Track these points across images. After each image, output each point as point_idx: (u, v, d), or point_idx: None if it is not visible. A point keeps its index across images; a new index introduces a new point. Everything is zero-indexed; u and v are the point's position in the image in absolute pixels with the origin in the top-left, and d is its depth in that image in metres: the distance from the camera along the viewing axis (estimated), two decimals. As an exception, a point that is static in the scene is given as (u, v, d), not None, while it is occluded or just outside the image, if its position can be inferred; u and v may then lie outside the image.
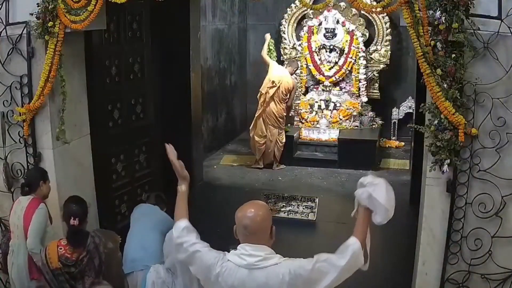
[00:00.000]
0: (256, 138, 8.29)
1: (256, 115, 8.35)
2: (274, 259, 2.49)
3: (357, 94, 9.24)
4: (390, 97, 9.92)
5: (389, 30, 9.21)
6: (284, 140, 8.42)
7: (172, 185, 6.87)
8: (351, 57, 9.12)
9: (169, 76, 7.14)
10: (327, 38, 9.20)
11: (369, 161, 8.38)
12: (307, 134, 9.06)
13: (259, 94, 8.28)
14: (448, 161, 3.54)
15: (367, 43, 9.29)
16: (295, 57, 9.51)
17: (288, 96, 8.24)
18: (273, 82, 8.08)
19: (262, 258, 2.47)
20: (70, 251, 3.39)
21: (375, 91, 9.46)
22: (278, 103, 8.16)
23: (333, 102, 9.26)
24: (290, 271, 2.46)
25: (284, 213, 6.49)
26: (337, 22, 9.17)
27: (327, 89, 9.31)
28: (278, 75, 8.17)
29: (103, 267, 3.30)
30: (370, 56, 9.28)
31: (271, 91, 8.07)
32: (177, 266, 3.00)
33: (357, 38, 9.06)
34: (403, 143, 9.61)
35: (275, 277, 2.45)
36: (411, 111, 9.42)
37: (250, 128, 8.43)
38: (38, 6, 4.15)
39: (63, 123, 4.43)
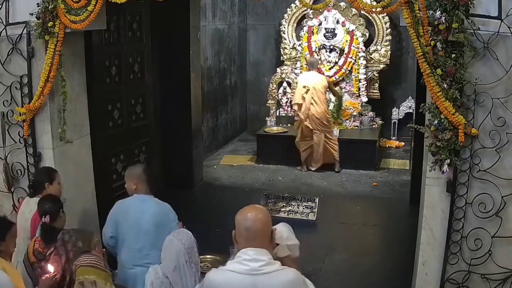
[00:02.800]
0: (300, 143, 8.16)
1: (296, 128, 8.20)
2: (276, 265, 2.43)
3: (357, 94, 9.23)
4: (390, 97, 9.93)
5: (389, 30, 9.21)
6: (336, 142, 8.19)
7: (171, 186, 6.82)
8: (351, 57, 9.11)
9: (169, 76, 7.15)
10: (327, 38, 9.19)
11: (369, 161, 8.38)
12: (307, 134, 9.06)
13: (294, 107, 8.15)
14: (448, 161, 3.54)
15: (367, 43, 9.29)
16: (295, 57, 9.53)
17: (325, 96, 8.14)
18: (304, 86, 7.97)
19: (265, 263, 2.39)
20: (42, 247, 3.45)
21: (375, 91, 9.45)
22: (319, 105, 7.97)
23: (333, 102, 9.26)
24: (298, 276, 2.42)
25: (284, 213, 6.49)
26: (337, 22, 9.16)
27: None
28: (308, 81, 8.03)
29: (70, 265, 3.32)
30: (370, 56, 9.28)
31: (308, 96, 7.93)
32: (174, 273, 2.98)
33: (357, 38, 9.06)
34: (403, 143, 9.60)
35: (281, 281, 2.39)
36: (411, 111, 9.41)
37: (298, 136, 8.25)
38: (38, 6, 4.15)
39: (64, 122, 4.43)
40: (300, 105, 8.00)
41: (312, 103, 7.94)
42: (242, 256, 2.41)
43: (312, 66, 8.26)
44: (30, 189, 4.01)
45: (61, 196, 4.02)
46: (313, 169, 8.28)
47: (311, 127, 7.98)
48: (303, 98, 7.96)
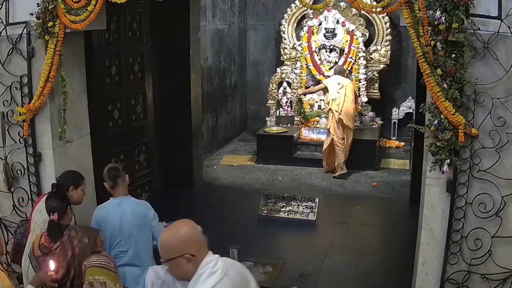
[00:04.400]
0: (337, 140, 8.03)
1: (331, 125, 8.07)
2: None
3: (357, 94, 9.24)
4: (390, 97, 9.93)
5: (389, 30, 9.22)
6: (349, 146, 8.20)
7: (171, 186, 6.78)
8: (351, 57, 9.12)
9: (169, 76, 7.15)
10: (327, 38, 9.20)
11: (369, 161, 8.39)
12: (307, 134, 9.06)
13: (328, 106, 8.11)
14: (448, 161, 3.54)
15: (367, 43, 9.29)
16: (295, 57, 9.54)
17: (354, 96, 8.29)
18: (338, 83, 8.06)
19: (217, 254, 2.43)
20: (48, 241, 3.46)
21: (375, 91, 9.46)
22: (352, 101, 8.10)
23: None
24: None
25: (284, 213, 6.49)
26: (337, 22, 9.17)
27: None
28: (341, 80, 8.15)
29: (75, 261, 3.34)
30: (370, 56, 9.28)
31: (342, 92, 8.00)
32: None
33: (357, 38, 9.06)
34: (403, 143, 9.62)
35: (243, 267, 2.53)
36: (411, 111, 9.42)
37: (327, 138, 8.19)
38: (38, 6, 4.15)
39: (65, 122, 4.43)
40: (334, 100, 8.04)
41: (345, 101, 8.01)
42: (208, 266, 2.33)
43: (340, 72, 8.42)
44: (53, 188, 3.95)
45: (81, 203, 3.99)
46: (337, 174, 8.13)
47: (343, 121, 7.99)
48: (338, 94, 8.04)
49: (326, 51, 9.29)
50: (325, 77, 9.17)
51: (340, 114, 7.97)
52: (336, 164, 8.11)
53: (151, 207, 3.99)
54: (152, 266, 3.07)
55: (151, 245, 3.92)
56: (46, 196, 3.97)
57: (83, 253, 3.36)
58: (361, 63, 9.11)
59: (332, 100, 8.04)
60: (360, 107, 9.11)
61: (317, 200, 6.50)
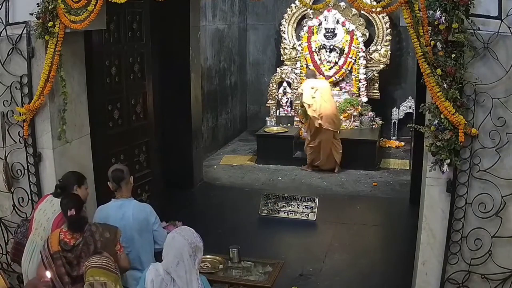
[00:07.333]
0: (309, 146, 8.19)
1: (306, 130, 8.21)
2: None
3: (357, 94, 9.24)
4: (390, 97, 9.94)
5: (389, 30, 9.22)
6: (340, 145, 8.22)
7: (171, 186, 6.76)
8: (351, 57, 9.12)
9: (169, 76, 7.15)
10: (327, 38, 9.20)
11: (369, 161, 8.39)
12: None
13: (304, 108, 8.14)
14: (448, 161, 3.54)
15: (367, 43, 9.29)
16: (295, 57, 9.54)
17: (331, 95, 8.37)
18: (312, 87, 8.08)
19: None
20: (69, 237, 3.50)
21: (375, 91, 9.46)
22: (328, 103, 8.09)
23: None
24: None
25: (284, 213, 6.49)
26: (337, 22, 9.17)
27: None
28: (315, 83, 8.19)
29: None
30: (370, 56, 9.28)
31: (317, 96, 8.01)
32: (177, 268, 2.97)
33: (357, 38, 9.06)
34: (403, 143, 9.62)
35: None
36: (411, 111, 9.43)
37: (308, 137, 8.28)
38: (38, 6, 4.15)
39: (64, 122, 4.43)
40: (310, 106, 8.03)
41: (322, 103, 8.01)
42: None
43: (313, 76, 8.47)
44: (58, 189, 3.93)
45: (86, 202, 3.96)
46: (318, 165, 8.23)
47: (324, 126, 7.98)
48: (313, 98, 8.03)
49: (326, 51, 9.28)
50: (325, 77, 9.19)
51: (319, 120, 7.96)
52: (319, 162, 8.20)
53: (153, 211, 3.95)
54: (154, 263, 3.07)
55: (153, 249, 3.90)
56: (48, 196, 3.99)
57: (105, 247, 3.43)
58: (361, 63, 9.11)
59: (308, 106, 8.02)
60: (360, 107, 9.12)
61: (317, 200, 6.51)
